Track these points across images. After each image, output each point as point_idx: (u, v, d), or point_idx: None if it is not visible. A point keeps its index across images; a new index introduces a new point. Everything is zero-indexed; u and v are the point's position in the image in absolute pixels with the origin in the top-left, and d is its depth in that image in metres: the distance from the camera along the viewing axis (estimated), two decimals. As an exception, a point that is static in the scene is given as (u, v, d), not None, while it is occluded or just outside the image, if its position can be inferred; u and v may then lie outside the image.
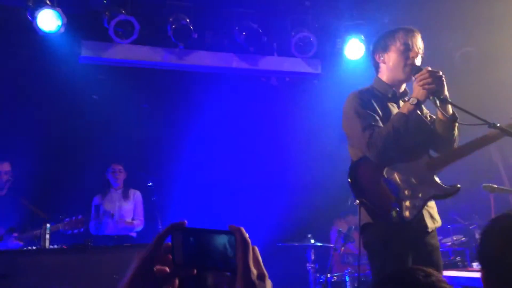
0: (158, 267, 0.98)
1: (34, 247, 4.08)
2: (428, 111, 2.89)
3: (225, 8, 5.82)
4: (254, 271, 0.94)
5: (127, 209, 5.76)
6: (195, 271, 0.99)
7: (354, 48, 5.94)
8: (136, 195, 5.89)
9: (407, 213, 2.64)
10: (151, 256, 0.98)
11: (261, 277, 0.94)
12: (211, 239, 0.97)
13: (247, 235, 0.95)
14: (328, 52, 6.23)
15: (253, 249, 0.96)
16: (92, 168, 5.94)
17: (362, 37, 5.91)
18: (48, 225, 4.07)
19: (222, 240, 0.96)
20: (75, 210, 5.10)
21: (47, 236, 4.04)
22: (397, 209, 2.63)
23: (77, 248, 3.77)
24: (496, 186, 3.39)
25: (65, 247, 3.91)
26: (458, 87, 5.68)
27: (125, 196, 5.81)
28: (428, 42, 6.15)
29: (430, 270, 1.31)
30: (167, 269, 0.99)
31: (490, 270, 1.42)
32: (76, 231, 4.71)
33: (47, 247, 4.01)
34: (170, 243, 0.99)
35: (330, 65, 6.32)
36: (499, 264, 1.39)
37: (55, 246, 4.05)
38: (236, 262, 0.94)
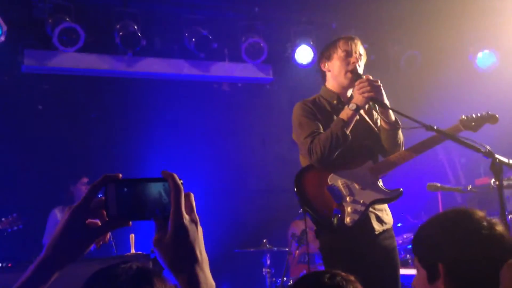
0: (89, 220, 0.98)
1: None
2: (378, 117, 2.97)
3: (174, 14, 5.77)
4: (187, 216, 0.95)
5: None
6: (130, 222, 0.99)
7: (304, 53, 6.04)
8: None
9: (347, 219, 2.70)
10: (82, 208, 0.97)
11: (193, 221, 0.96)
12: (145, 187, 0.97)
13: (180, 181, 0.96)
14: (278, 57, 6.30)
15: (188, 195, 0.98)
16: (38, 179, 5.72)
17: (311, 42, 6.01)
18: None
19: (157, 188, 0.97)
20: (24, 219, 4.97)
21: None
22: (339, 215, 2.69)
23: (24, 265, 3.60)
24: (439, 185, 3.51)
25: (10, 265, 3.74)
26: (403, 89, 5.90)
27: None
28: (374, 46, 6.37)
29: (337, 271, 1.35)
30: (99, 223, 0.99)
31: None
32: (15, 228, 4.75)
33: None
34: (102, 197, 0.98)
35: (281, 70, 6.39)
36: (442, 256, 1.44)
37: (0, 264, 3.86)
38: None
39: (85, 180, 5.59)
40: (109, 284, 1.12)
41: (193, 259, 0.93)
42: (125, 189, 0.97)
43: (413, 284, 1.56)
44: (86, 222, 0.97)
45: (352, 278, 1.36)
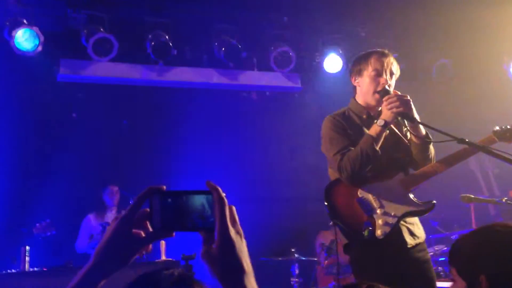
0: (134, 230, 1.00)
1: (13, 270, 3.98)
2: (409, 129, 2.94)
3: (204, 24, 5.85)
4: (232, 229, 0.97)
5: None
6: (173, 233, 1.01)
7: (332, 62, 6.02)
8: None
9: (378, 232, 2.67)
10: (128, 218, 0.99)
11: (238, 234, 0.98)
12: (188, 199, 1.00)
13: (223, 194, 0.98)
14: (307, 66, 6.30)
15: (230, 208, 0.99)
16: (72, 186, 5.86)
17: (340, 51, 6.00)
18: (27, 247, 3.99)
19: (200, 199, 0.99)
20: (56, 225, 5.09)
21: (27, 258, 3.95)
22: (370, 228, 2.66)
23: (58, 270, 3.70)
24: (473, 196, 3.44)
25: (45, 269, 3.83)
26: (435, 99, 5.82)
27: None
28: (404, 54, 6.30)
29: (375, 284, 1.32)
30: (142, 234, 1.01)
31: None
32: (48, 233, 4.81)
33: (27, 270, 3.92)
34: (147, 209, 1.00)
35: (310, 79, 6.38)
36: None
37: (35, 269, 3.96)
38: (214, 220, 0.97)
39: (114, 188, 5.70)
40: (156, 281, 1.16)
41: (241, 271, 0.95)
42: (169, 201, 1.00)
43: None
44: (132, 232, 1.00)
45: None
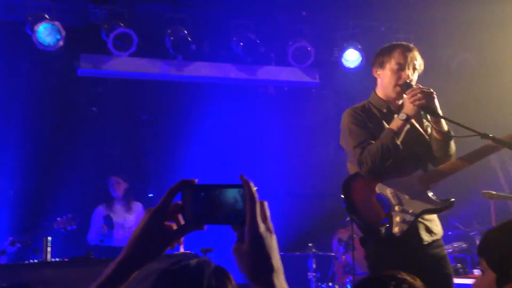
0: (166, 223, 1.01)
1: (35, 260, 4.07)
2: (429, 124, 2.91)
3: (222, 19, 5.86)
4: (262, 225, 0.96)
5: (131, 221, 5.75)
6: (205, 226, 1.01)
7: (351, 57, 5.98)
8: (138, 207, 5.87)
9: (396, 229, 2.65)
10: (161, 211, 1.00)
11: (268, 230, 0.97)
12: (221, 193, 1.00)
13: (254, 189, 0.97)
14: (325, 61, 6.27)
15: (262, 204, 0.99)
16: (92, 179, 5.95)
17: (359, 46, 5.95)
18: (49, 238, 4.07)
19: (232, 193, 0.99)
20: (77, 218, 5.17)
21: (49, 249, 4.03)
22: (387, 225, 2.65)
23: (79, 261, 3.76)
24: (494, 193, 3.40)
25: (66, 259, 3.91)
26: (455, 95, 5.74)
27: (128, 208, 5.80)
28: (425, 49, 6.19)
29: (402, 275, 1.31)
30: (174, 226, 1.02)
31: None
32: (69, 228, 4.84)
33: (48, 260, 4.00)
34: (179, 202, 1.01)
35: (328, 74, 6.35)
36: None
37: (57, 259, 4.04)
38: (245, 215, 0.96)
39: (115, 179, 5.74)
40: (196, 276, 1.18)
41: (269, 268, 0.95)
42: (202, 194, 1.00)
43: (477, 284, 1.57)
44: (164, 225, 1.01)
45: (419, 283, 1.33)
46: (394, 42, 2.98)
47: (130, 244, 1.00)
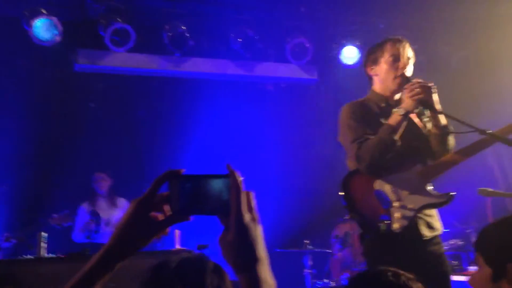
0: (153, 214, 1.00)
1: (30, 256, 4.06)
2: (428, 119, 2.90)
3: (220, 15, 5.85)
4: (247, 215, 0.96)
5: (117, 217, 5.72)
6: (190, 217, 1.00)
7: (349, 54, 5.98)
8: (122, 203, 5.83)
9: (396, 225, 2.64)
10: (146, 201, 0.99)
11: (253, 220, 0.97)
12: (207, 183, 0.99)
13: (240, 179, 0.97)
14: (324, 58, 6.26)
15: (248, 194, 0.98)
16: (89, 175, 5.92)
17: (357, 43, 5.95)
18: (44, 234, 4.06)
19: (219, 184, 0.98)
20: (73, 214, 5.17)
21: (44, 245, 4.02)
22: (386, 221, 2.63)
23: (75, 257, 3.75)
24: (491, 190, 3.39)
25: (62, 256, 3.89)
26: (454, 92, 5.73)
27: (113, 204, 5.76)
28: (424, 46, 6.22)
29: (397, 270, 1.33)
30: (161, 217, 1.01)
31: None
32: (65, 225, 4.87)
33: (43, 256, 3.98)
34: (166, 193, 1.00)
35: (326, 71, 6.35)
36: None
37: (52, 255, 4.02)
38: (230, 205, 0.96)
39: (100, 175, 5.71)
40: (201, 266, 1.20)
41: (254, 258, 0.94)
42: (188, 184, 0.99)
43: (473, 279, 1.57)
44: (150, 215, 1.00)
45: (413, 277, 1.34)
46: (383, 39, 2.98)
47: (115, 234, 0.99)
